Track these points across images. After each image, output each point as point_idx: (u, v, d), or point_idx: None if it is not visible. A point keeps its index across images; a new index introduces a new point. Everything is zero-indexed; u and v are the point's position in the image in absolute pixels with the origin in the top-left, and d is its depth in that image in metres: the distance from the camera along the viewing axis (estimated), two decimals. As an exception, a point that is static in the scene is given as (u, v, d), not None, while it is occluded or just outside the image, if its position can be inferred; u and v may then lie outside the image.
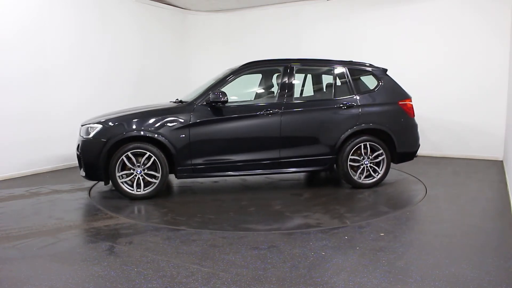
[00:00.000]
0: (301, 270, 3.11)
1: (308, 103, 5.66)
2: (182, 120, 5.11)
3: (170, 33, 9.54)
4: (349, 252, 3.46)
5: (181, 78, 9.67)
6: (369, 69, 5.79)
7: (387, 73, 5.84)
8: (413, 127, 5.76)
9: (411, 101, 5.74)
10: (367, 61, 6.15)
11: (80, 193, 5.52)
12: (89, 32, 7.52)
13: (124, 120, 5.13)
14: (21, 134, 6.50)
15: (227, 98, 5.16)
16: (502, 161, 7.40)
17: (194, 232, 3.98)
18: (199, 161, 5.19)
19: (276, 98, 5.48)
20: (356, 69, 5.76)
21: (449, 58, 7.81)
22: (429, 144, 7.77)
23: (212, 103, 5.18)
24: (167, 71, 9.41)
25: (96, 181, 5.93)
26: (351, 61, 5.83)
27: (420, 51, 8.01)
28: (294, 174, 6.45)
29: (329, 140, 5.44)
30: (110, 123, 5.10)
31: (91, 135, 5.10)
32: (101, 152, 4.98)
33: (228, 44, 9.85)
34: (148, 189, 5.13)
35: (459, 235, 3.89)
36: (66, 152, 7.19)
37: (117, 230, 4.09)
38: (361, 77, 5.78)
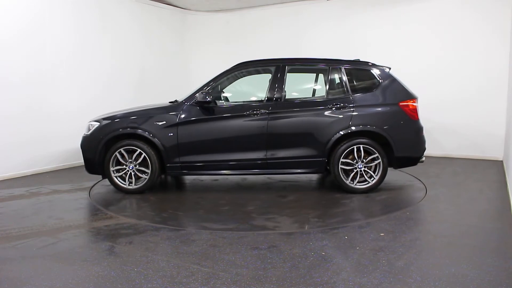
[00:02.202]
0: (301, 270, 3.11)
1: (297, 103, 5.45)
2: (171, 120, 5.31)
3: (170, 33, 9.55)
4: (349, 252, 3.46)
5: (181, 78, 9.67)
6: (369, 68, 5.49)
7: (390, 72, 5.53)
8: (416, 130, 5.35)
9: (415, 102, 5.34)
10: (367, 60, 6.05)
11: (80, 193, 5.52)
12: (89, 32, 7.52)
13: (118, 118, 5.43)
14: (21, 134, 6.50)
15: (212, 99, 5.30)
16: (502, 161, 7.40)
17: (194, 232, 3.98)
18: (187, 159, 5.33)
19: (265, 98, 5.43)
20: (353, 68, 5.50)
21: (449, 57, 7.81)
22: (429, 144, 7.75)
23: (200, 103, 5.32)
24: (167, 70, 9.41)
25: (96, 182, 6.08)
26: (349, 60, 5.62)
27: (420, 51, 8.01)
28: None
29: (318, 142, 5.24)
30: (105, 121, 5.44)
31: (89, 132, 5.43)
32: (97, 148, 5.32)
33: (228, 44, 9.85)
34: (139, 184, 5.39)
35: (459, 235, 3.88)
36: (66, 152, 7.20)
37: (117, 230, 4.09)
38: (359, 77, 5.54)
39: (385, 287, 2.83)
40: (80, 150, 5.49)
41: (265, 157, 5.30)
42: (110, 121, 5.41)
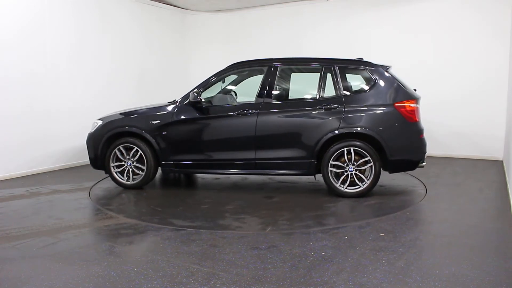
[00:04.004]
0: (301, 270, 3.11)
1: (287, 103, 5.41)
2: (165, 119, 5.47)
3: (170, 33, 9.54)
4: (349, 252, 3.46)
5: (181, 78, 9.67)
6: (364, 67, 5.26)
7: (389, 70, 5.25)
8: (414, 132, 5.08)
9: (413, 103, 5.05)
10: (369, 59, 5.75)
11: (80, 193, 5.52)
12: (89, 32, 7.52)
13: (118, 117, 5.71)
14: (21, 134, 6.49)
15: (201, 99, 5.39)
16: (502, 161, 7.40)
17: (194, 232, 3.98)
18: (180, 157, 5.46)
19: (255, 99, 5.41)
20: (347, 67, 5.31)
21: (449, 57, 7.80)
22: (429, 144, 7.76)
23: (192, 103, 5.42)
24: (167, 71, 9.41)
25: (96, 182, 6.12)
26: (343, 59, 5.44)
27: (420, 51, 8.01)
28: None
29: (307, 143, 5.12)
30: (107, 120, 5.71)
31: (93, 130, 5.73)
32: (99, 145, 5.60)
33: (228, 44, 9.84)
34: (136, 180, 5.61)
35: (459, 235, 3.89)
36: (66, 152, 7.19)
37: (117, 230, 4.09)
38: (353, 76, 5.39)
39: (385, 287, 2.84)
40: (85, 147, 5.82)
41: (254, 157, 5.28)
42: (110, 120, 5.68)
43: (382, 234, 3.86)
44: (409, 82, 5.65)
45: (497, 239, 3.86)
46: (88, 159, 5.81)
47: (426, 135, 5.27)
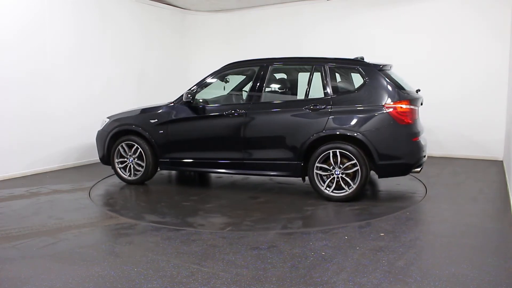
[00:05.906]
0: (301, 270, 3.11)
1: (275, 104, 5.34)
2: (162, 118, 5.67)
3: (170, 33, 9.54)
4: (349, 252, 3.46)
5: (181, 78, 9.66)
6: (356, 66, 5.05)
7: (384, 70, 5.03)
8: (406, 135, 4.80)
9: (406, 104, 4.78)
10: (370, 59, 5.62)
11: (80, 193, 5.52)
12: (89, 32, 7.51)
13: (121, 116, 6.00)
14: (21, 134, 6.48)
15: (192, 99, 5.51)
16: (502, 161, 7.40)
17: (194, 232, 3.98)
18: (175, 155, 5.64)
19: (245, 99, 5.49)
20: (338, 66, 5.18)
21: (449, 57, 7.80)
22: (429, 144, 7.77)
23: (185, 103, 5.58)
24: (167, 71, 9.41)
25: (96, 182, 6.14)
26: (335, 58, 5.31)
27: (420, 51, 8.00)
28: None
29: (293, 144, 5.03)
30: (113, 118, 6.01)
31: (101, 128, 6.07)
32: (105, 142, 5.94)
33: (228, 44, 9.84)
34: (137, 176, 5.87)
35: (459, 235, 3.89)
36: (66, 152, 7.19)
37: (117, 230, 4.09)
38: (344, 76, 5.34)
39: (385, 287, 2.84)
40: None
41: (242, 157, 5.30)
42: (115, 118, 5.99)
43: (382, 234, 3.86)
44: (410, 82, 5.63)
45: (497, 239, 3.86)
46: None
47: (425, 135, 5.15)
